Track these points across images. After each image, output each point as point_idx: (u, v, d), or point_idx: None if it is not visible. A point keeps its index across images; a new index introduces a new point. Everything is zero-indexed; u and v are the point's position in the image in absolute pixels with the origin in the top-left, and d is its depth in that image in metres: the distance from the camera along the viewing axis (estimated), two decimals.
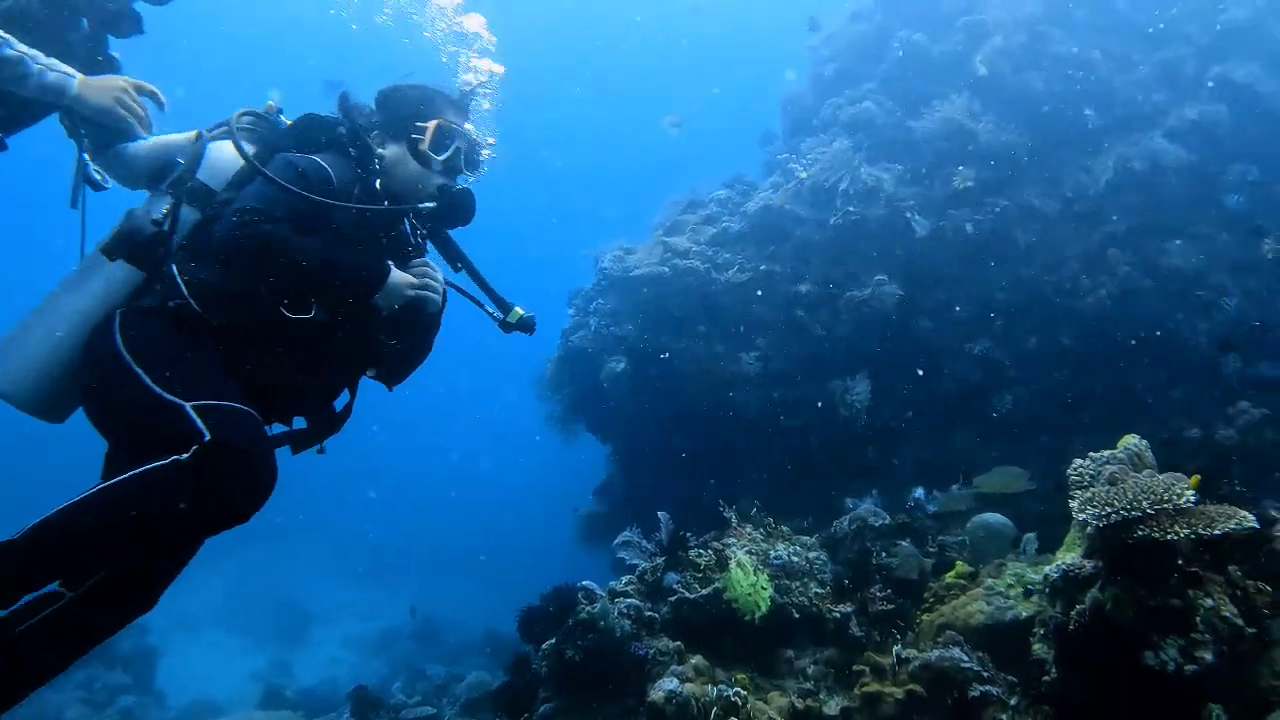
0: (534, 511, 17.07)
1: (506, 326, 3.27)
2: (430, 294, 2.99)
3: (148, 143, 3.41)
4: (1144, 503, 3.73)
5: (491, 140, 3.25)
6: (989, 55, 9.07)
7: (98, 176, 3.40)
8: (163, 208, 2.88)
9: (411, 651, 12.76)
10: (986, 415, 8.39)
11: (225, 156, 3.00)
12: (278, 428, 3.01)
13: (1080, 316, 8.36)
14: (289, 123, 3.14)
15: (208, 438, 2.36)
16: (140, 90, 3.11)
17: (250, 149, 2.94)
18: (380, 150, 3.06)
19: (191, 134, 3.23)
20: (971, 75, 9.10)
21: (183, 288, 2.71)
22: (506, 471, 22.75)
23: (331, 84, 3.57)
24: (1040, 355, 8.39)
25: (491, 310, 3.26)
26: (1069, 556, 4.36)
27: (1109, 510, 3.81)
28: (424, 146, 3.01)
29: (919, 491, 7.75)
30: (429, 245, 3.25)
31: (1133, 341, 8.17)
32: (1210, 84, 8.90)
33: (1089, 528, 4.06)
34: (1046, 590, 4.40)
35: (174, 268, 2.76)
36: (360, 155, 3.03)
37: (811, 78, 10.96)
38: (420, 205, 3.00)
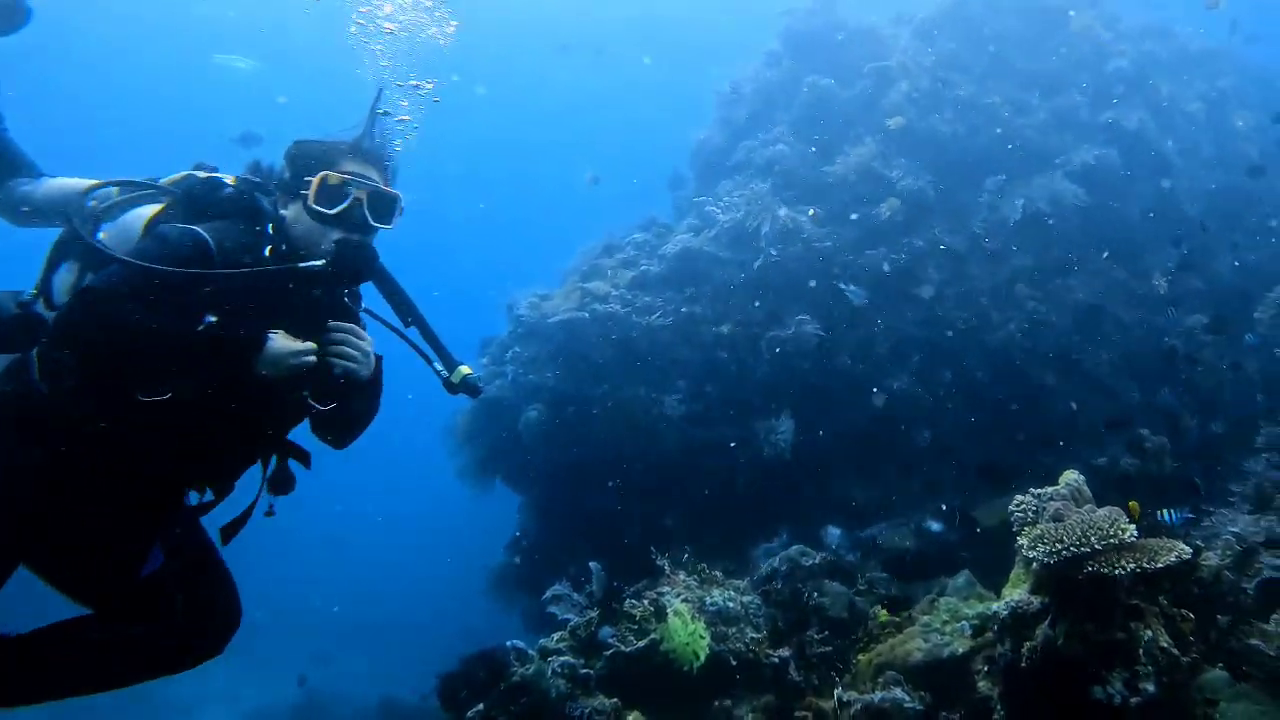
0: (432, 569, 16.50)
1: (451, 387, 3.12)
2: (343, 361, 2.80)
3: (43, 186, 3.30)
4: (1092, 539, 3.74)
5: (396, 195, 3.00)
6: (896, 100, 9.31)
7: None
8: (33, 286, 2.78)
9: None
10: (907, 449, 8.48)
11: (133, 222, 2.88)
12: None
13: (992, 350, 8.56)
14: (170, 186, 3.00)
15: None
16: None
17: (143, 214, 2.85)
18: (282, 211, 2.89)
19: (85, 184, 3.12)
20: (880, 119, 9.32)
21: (34, 369, 2.62)
22: (399, 526, 21.94)
23: (249, 137, 3.36)
24: (956, 389, 8.54)
25: (439, 369, 3.13)
26: (1015, 593, 4.34)
27: (1059, 547, 3.80)
28: (310, 201, 2.80)
29: (835, 531, 7.78)
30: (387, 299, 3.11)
31: (1042, 373, 8.43)
32: (1102, 128, 9.34)
33: (1035, 564, 4.06)
34: (995, 628, 4.36)
35: (35, 352, 2.65)
36: (252, 219, 2.86)
37: (721, 121, 11.09)
38: (303, 265, 2.75)
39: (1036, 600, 4.15)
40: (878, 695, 4.92)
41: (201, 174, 3.02)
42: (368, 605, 16.44)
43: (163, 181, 3.04)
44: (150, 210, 2.88)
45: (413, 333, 3.12)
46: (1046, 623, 3.96)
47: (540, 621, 8.22)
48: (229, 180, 2.98)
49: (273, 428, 2.93)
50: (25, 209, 3.42)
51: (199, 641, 2.84)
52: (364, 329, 2.96)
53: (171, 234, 2.67)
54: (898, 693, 4.89)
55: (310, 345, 2.69)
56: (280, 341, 2.63)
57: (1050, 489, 4.59)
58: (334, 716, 11.93)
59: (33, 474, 2.58)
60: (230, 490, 2.99)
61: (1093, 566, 3.74)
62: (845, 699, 5.06)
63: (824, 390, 8.44)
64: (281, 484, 2.98)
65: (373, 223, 2.86)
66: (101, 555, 2.75)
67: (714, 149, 10.46)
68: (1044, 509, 4.46)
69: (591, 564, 6.23)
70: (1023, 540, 4.18)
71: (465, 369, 3.11)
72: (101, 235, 2.83)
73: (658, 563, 6.30)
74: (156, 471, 2.73)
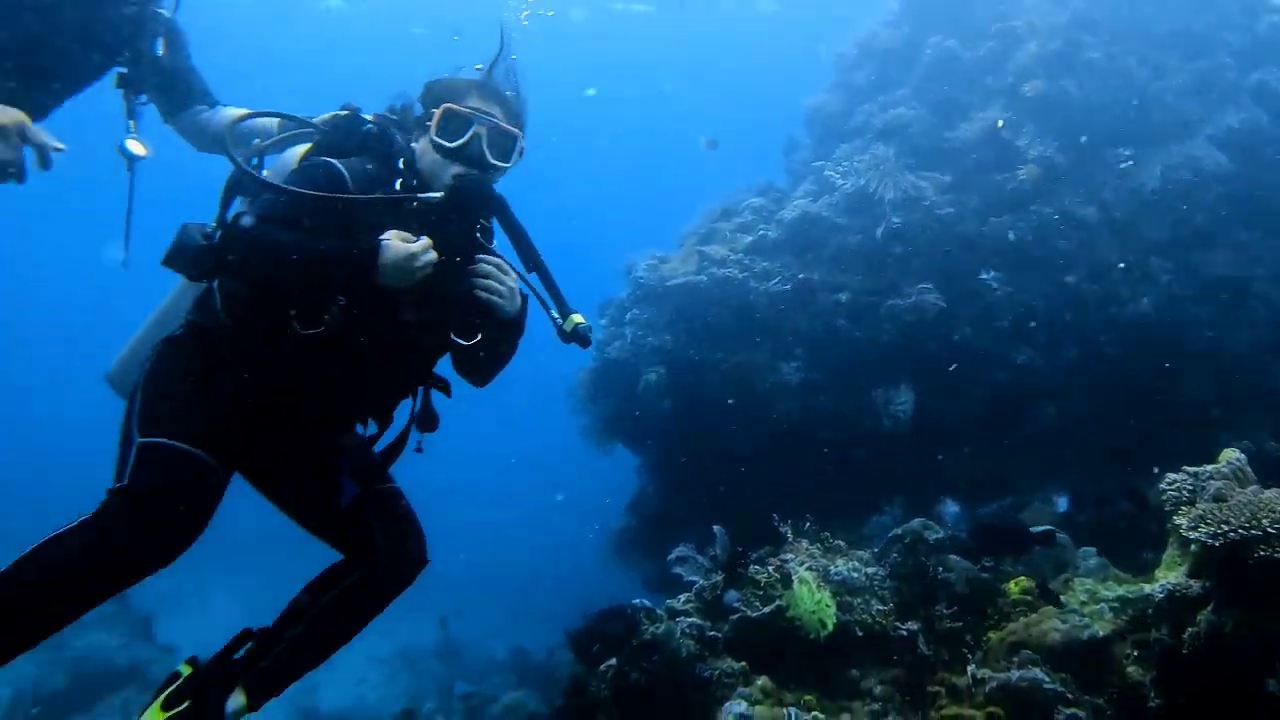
0: (556, 527, 16.77)
1: (564, 335, 3.12)
2: (489, 294, 2.90)
3: (226, 119, 3.46)
4: (1264, 520, 3.59)
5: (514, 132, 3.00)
6: (1023, 62, 8.98)
7: (132, 151, 3.43)
8: (213, 220, 2.89)
9: (437, 670, 12.40)
10: (1028, 426, 8.28)
11: (288, 160, 3.10)
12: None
13: (1123, 325, 8.26)
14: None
15: (123, 483, 2.52)
16: (26, 137, 2.76)
17: (296, 152, 3.06)
18: (415, 144, 3.01)
19: (274, 120, 3.35)
20: (1006, 81, 9.01)
21: (218, 300, 2.82)
22: (522, 484, 22.23)
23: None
24: (1082, 365, 8.29)
25: (555, 316, 3.13)
26: (1171, 576, 4.21)
27: (1225, 529, 3.66)
28: (432, 134, 2.89)
29: (953, 507, 7.64)
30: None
31: (1177, 351, 8.11)
32: (1249, 91, 8.85)
33: (1196, 546, 3.93)
34: (1148, 611, 4.25)
35: (217, 282, 2.84)
36: (386, 154, 2.97)
37: (838, 85, 10.84)
38: (422, 195, 2.85)
39: (1196, 584, 4.01)
40: (1015, 674, 4.84)
41: (345, 113, 3.13)
42: (491, 557, 16.88)
43: (315, 120, 3.19)
44: (302, 149, 3.06)
45: (534, 279, 3.13)
46: (1210, 609, 3.83)
47: (661, 583, 8.35)
48: (369, 118, 3.10)
49: (420, 360, 3.04)
50: (201, 138, 3.65)
51: (399, 570, 3.00)
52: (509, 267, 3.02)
53: (310, 168, 2.83)
54: (1036, 672, 4.80)
55: (426, 242, 2.71)
56: (396, 244, 2.67)
57: (1209, 467, 4.43)
58: (469, 660, 12.35)
59: (224, 399, 2.76)
60: (390, 423, 3.15)
61: (1265, 551, 3.60)
62: (980, 676, 5.00)
63: (944, 362, 8.27)
64: (427, 421, 3.09)
65: (492, 160, 2.92)
66: (300, 478, 3.02)
67: (831, 113, 10.23)
68: (1203, 488, 4.30)
69: (715, 528, 6.25)
70: (1180, 520, 4.05)
71: (578, 318, 3.10)
72: (265, 173, 3.00)
73: (780, 529, 6.28)
74: (321, 401, 2.89)
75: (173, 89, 3.65)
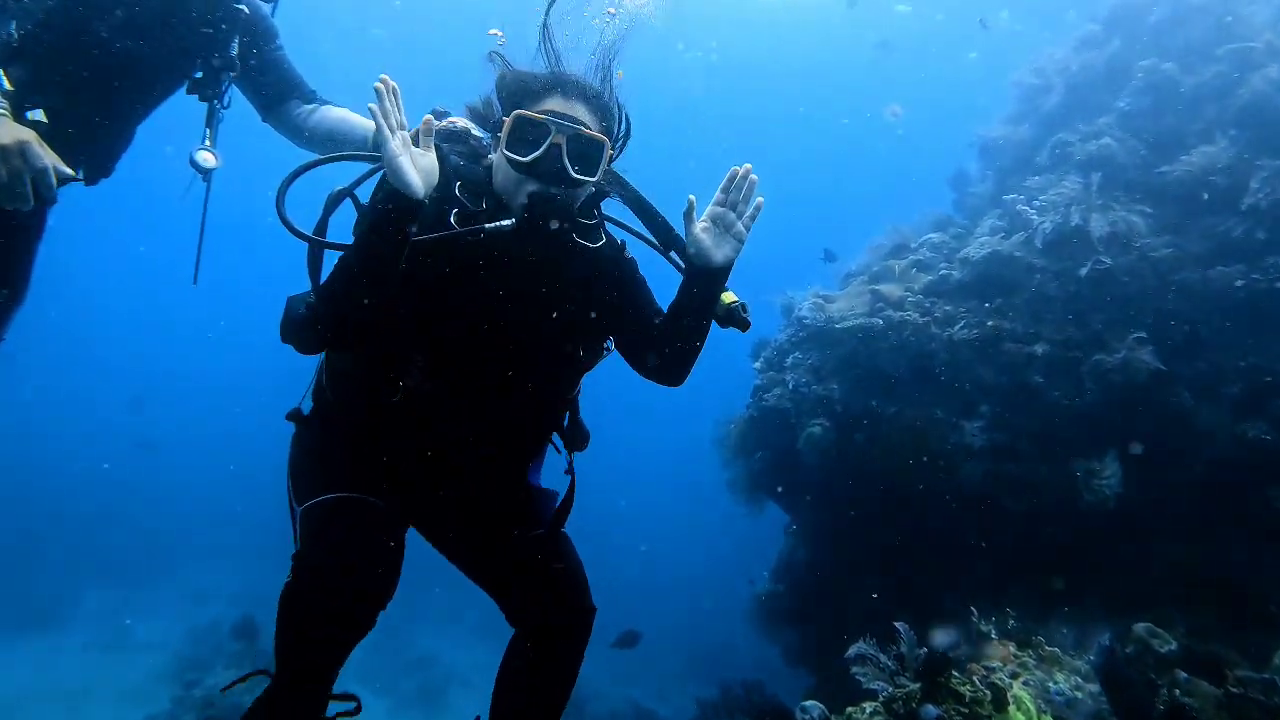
0: (687, 577, 15.90)
1: (719, 321, 2.67)
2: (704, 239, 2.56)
3: (317, 116, 3.54)
4: None
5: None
6: (1260, 87, 7.76)
7: (203, 162, 3.33)
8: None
9: None
10: (1258, 513, 7.01)
11: None
12: None
13: None
14: None
15: (297, 548, 2.47)
16: (28, 159, 2.52)
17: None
18: (490, 156, 2.62)
19: (360, 127, 3.44)
20: (1236, 110, 7.81)
21: (323, 374, 2.77)
22: (660, 530, 21.18)
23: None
24: None
25: None
26: None
27: None
28: (502, 148, 2.46)
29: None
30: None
31: None
32: None
33: None
34: None
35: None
36: (445, 177, 2.54)
37: (1020, 115, 9.82)
38: (490, 226, 2.41)
39: None
40: None
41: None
42: (613, 599, 16.16)
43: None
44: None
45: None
46: None
47: (802, 658, 7.37)
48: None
49: (544, 389, 2.71)
50: (305, 135, 3.53)
51: (564, 625, 2.71)
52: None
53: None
54: None
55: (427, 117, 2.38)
56: (394, 145, 2.26)
57: None
58: (588, 711, 11.55)
59: (359, 468, 2.63)
60: (543, 443, 2.93)
61: None
62: None
63: (1155, 431, 7.09)
64: (577, 440, 2.90)
65: (574, 174, 2.44)
66: (467, 528, 2.83)
67: (1017, 143, 9.20)
68: None
69: (899, 625, 5.24)
70: None
71: (730, 296, 2.64)
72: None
73: (981, 627, 5.25)
74: (445, 456, 2.66)
75: (261, 86, 3.51)
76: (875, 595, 6.89)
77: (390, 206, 2.24)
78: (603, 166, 2.50)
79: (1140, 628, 5.66)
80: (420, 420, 2.54)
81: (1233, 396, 7.08)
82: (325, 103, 3.58)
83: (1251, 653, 6.16)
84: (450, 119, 2.83)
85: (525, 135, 2.42)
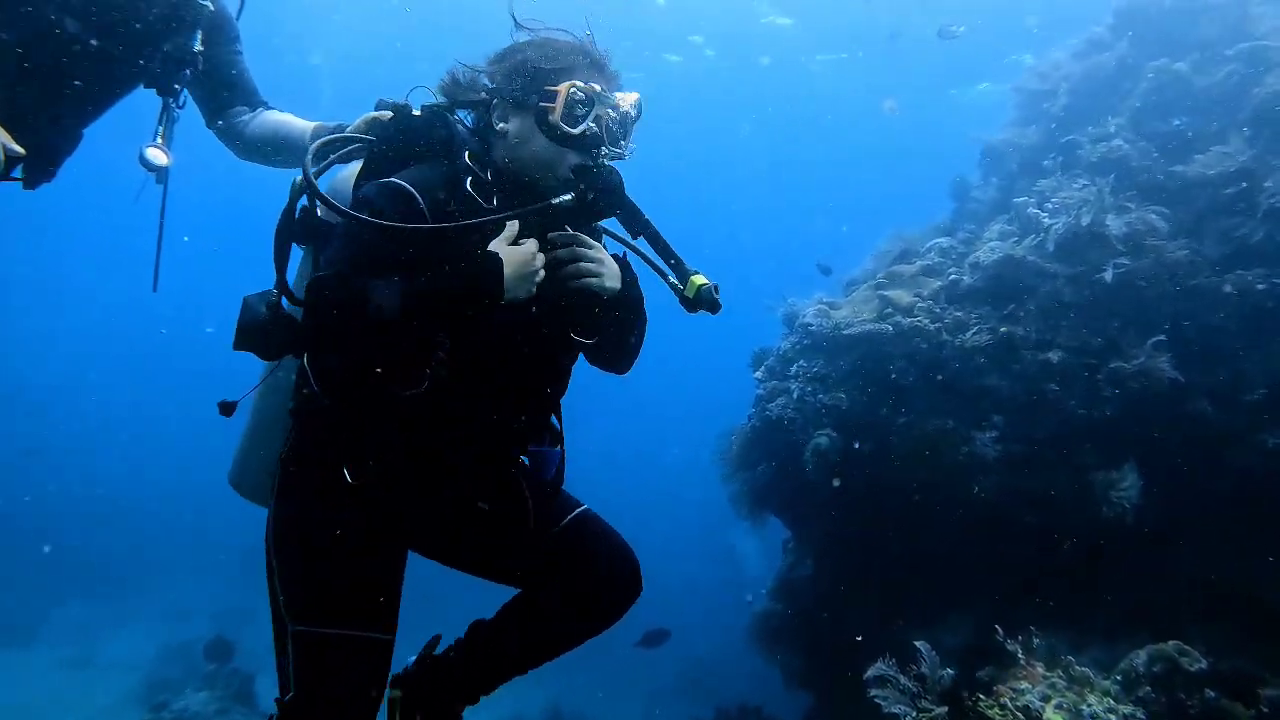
0: (680, 590, 15.54)
1: (688, 304, 2.53)
2: (584, 277, 2.42)
3: (258, 121, 3.31)
4: None
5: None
6: (1276, 87, 7.54)
7: (152, 159, 3.13)
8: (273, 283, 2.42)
9: None
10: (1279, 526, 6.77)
11: (342, 187, 2.59)
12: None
13: None
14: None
15: (290, 695, 2.27)
16: None
17: (349, 174, 2.58)
18: (503, 125, 2.45)
19: (307, 126, 3.19)
20: (1250, 109, 7.60)
21: (311, 379, 2.36)
22: (650, 540, 20.84)
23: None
24: None
25: (674, 282, 2.55)
26: None
27: None
28: (554, 117, 2.36)
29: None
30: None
31: None
32: None
33: None
34: None
35: (306, 359, 2.41)
36: (447, 150, 2.43)
37: (1025, 119, 9.61)
38: (554, 201, 2.34)
39: None
40: None
41: (386, 113, 2.64)
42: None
43: (350, 129, 2.74)
44: (351, 170, 2.57)
45: (641, 245, 2.60)
46: None
47: (808, 681, 7.05)
48: (415, 111, 2.51)
49: (551, 373, 2.60)
50: (239, 144, 3.32)
51: (622, 584, 2.69)
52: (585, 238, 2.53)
53: (374, 196, 2.27)
54: None
55: (531, 249, 2.31)
56: (511, 251, 2.27)
57: None
58: None
59: (372, 541, 2.39)
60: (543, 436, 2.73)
61: None
62: None
63: (1175, 440, 6.84)
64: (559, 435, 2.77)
65: (611, 148, 2.43)
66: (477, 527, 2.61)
67: (1024, 147, 8.97)
68: None
69: (920, 644, 4.97)
70: None
71: (700, 279, 2.51)
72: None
73: (1007, 647, 4.95)
74: (456, 453, 2.44)
75: (214, 88, 3.31)
76: (884, 613, 6.59)
77: (480, 300, 2.21)
78: (629, 144, 2.48)
79: (1169, 646, 5.39)
80: (449, 412, 2.35)
81: (1253, 404, 6.84)
82: (269, 109, 3.41)
83: (1272, 666, 5.92)
84: (405, 108, 2.61)
85: (576, 108, 2.37)
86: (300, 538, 2.36)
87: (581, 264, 2.44)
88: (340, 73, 23.18)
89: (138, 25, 2.99)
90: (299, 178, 2.41)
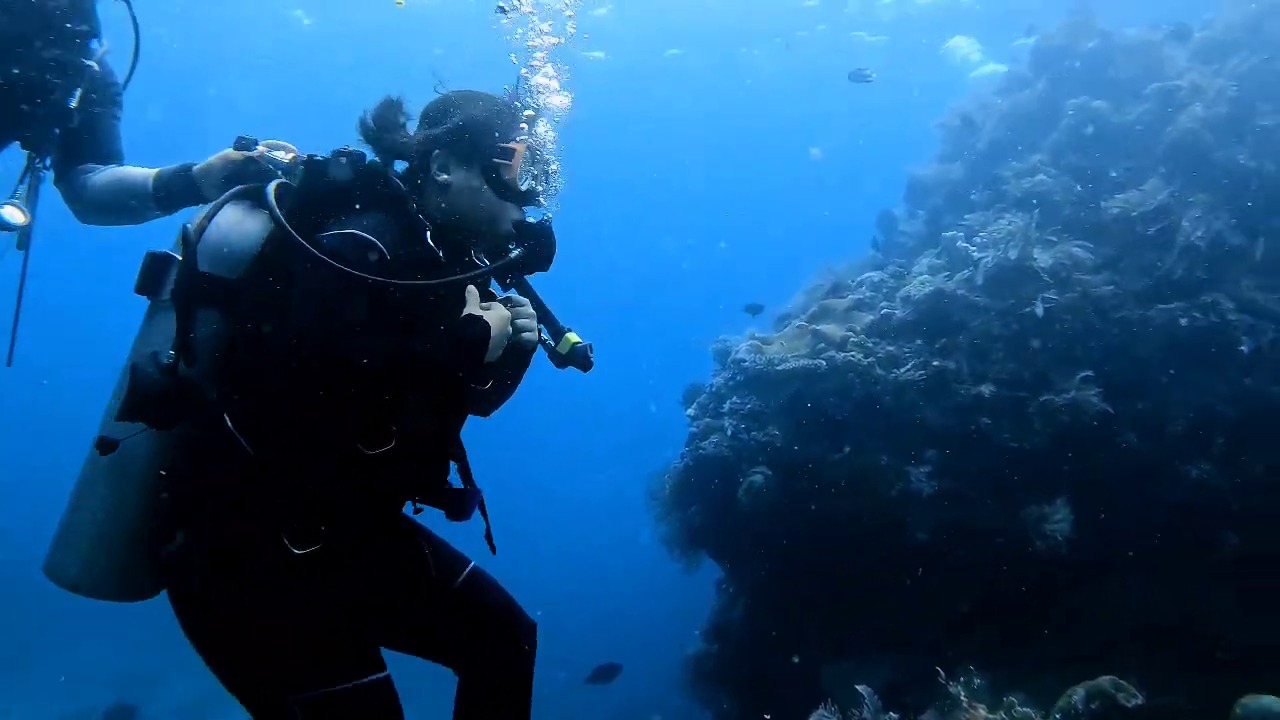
0: (610, 632, 15.23)
1: (559, 359, 2.60)
2: (527, 333, 2.45)
3: (101, 176, 3.05)
4: None
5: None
6: (1188, 125, 7.75)
7: (10, 220, 2.94)
8: (167, 339, 2.25)
9: None
10: (1207, 556, 6.84)
11: (231, 231, 2.34)
12: None
13: None
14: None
15: None
16: None
17: (245, 224, 2.37)
18: (444, 176, 2.42)
19: (160, 183, 2.91)
20: (1165, 147, 7.79)
21: (243, 441, 2.17)
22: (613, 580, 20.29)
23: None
24: (1272, 484, 6.86)
25: (546, 338, 2.59)
26: None
27: None
28: (510, 175, 2.42)
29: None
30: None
31: None
32: None
33: None
34: None
35: (227, 419, 2.18)
36: (398, 202, 2.37)
37: (949, 155, 9.77)
38: (513, 257, 2.41)
39: None
40: None
41: (240, 153, 2.61)
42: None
43: (197, 169, 2.72)
44: (251, 217, 2.35)
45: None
46: None
47: None
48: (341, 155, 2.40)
49: (462, 416, 2.63)
50: (80, 202, 3.09)
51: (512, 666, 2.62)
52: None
53: (346, 249, 2.13)
54: None
55: (508, 313, 2.37)
56: (493, 317, 2.28)
57: None
58: None
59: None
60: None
61: None
62: None
63: (1103, 473, 6.89)
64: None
65: (546, 200, 2.52)
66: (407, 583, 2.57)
67: (950, 182, 9.08)
68: None
69: (860, 688, 4.85)
70: None
71: (573, 337, 2.59)
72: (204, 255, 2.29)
73: (950, 689, 4.86)
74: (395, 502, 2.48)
75: (76, 146, 3.10)
76: (821, 653, 6.48)
77: (469, 366, 2.25)
78: (546, 201, 2.55)
79: (1106, 682, 5.35)
80: (401, 468, 2.33)
81: (1176, 435, 6.94)
82: (116, 165, 3.20)
83: (1203, 698, 5.94)
84: (265, 146, 2.62)
85: (526, 165, 2.45)
86: (257, 618, 2.19)
87: (524, 321, 2.45)
88: (253, 102, 22.67)
89: (16, 71, 2.85)
90: (191, 226, 2.29)
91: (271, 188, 2.31)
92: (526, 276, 2.56)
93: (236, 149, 2.60)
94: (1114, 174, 7.89)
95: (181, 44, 18.62)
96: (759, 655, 7.27)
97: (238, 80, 22.75)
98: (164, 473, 2.28)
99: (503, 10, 2.89)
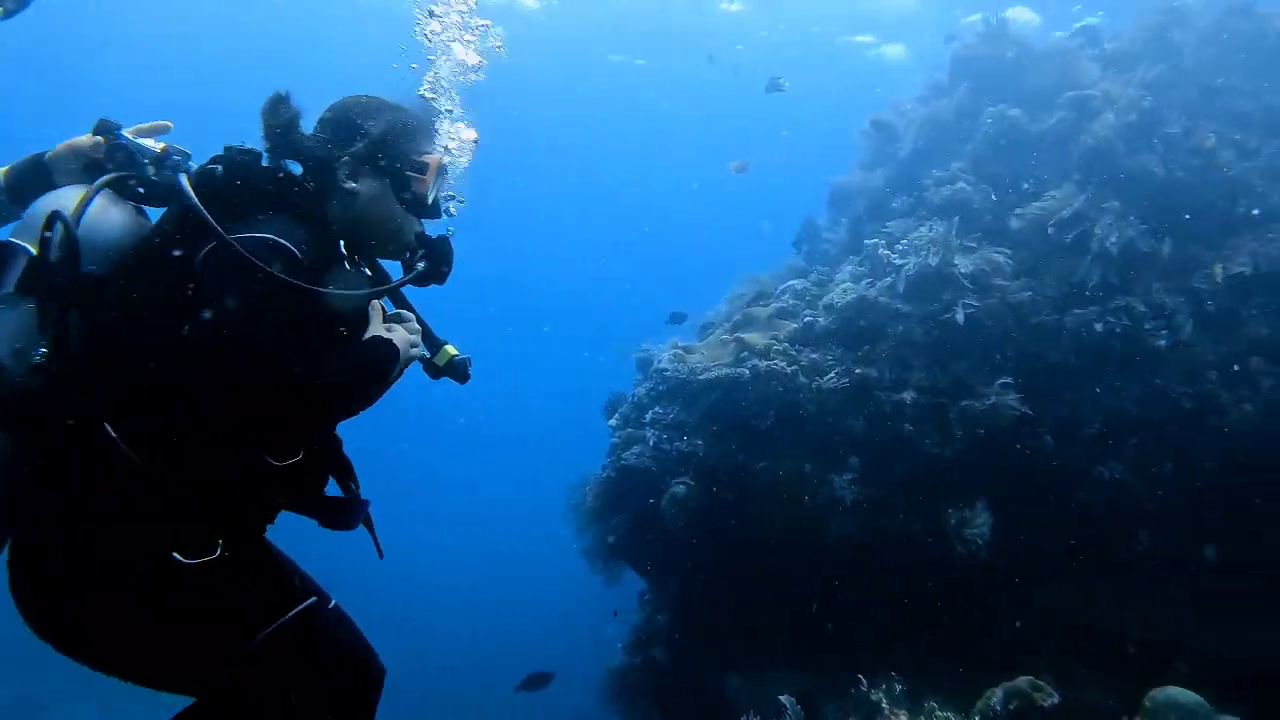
0: (529, 645, 15.06)
1: (434, 370, 2.59)
2: (415, 349, 2.41)
3: None
4: None
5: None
6: (1101, 133, 7.91)
7: None
8: (35, 336, 2.02)
9: None
10: (1123, 555, 6.97)
11: (101, 223, 2.16)
12: None
13: (1223, 437, 7.03)
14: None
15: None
16: None
17: (114, 217, 2.21)
18: (352, 184, 2.35)
19: (13, 178, 2.44)
20: (1080, 155, 7.95)
21: (126, 450, 1.95)
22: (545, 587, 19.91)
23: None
24: (1180, 482, 7.02)
25: (423, 351, 2.53)
26: None
27: None
28: (422, 188, 2.41)
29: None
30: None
31: None
32: None
33: None
34: None
35: (107, 426, 1.96)
36: (309, 207, 2.28)
37: (871, 163, 9.86)
38: (423, 270, 2.40)
39: None
40: None
41: (94, 138, 2.33)
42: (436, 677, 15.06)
43: (50, 155, 2.39)
44: (117, 208, 2.20)
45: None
46: None
47: None
48: (232, 154, 2.30)
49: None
50: None
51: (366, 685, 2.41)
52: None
53: (265, 253, 2.02)
54: None
55: (409, 334, 2.37)
56: (399, 338, 2.30)
57: None
58: None
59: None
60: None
61: None
62: None
63: (1022, 476, 6.98)
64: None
65: (447, 215, 2.57)
66: None
67: (871, 190, 9.15)
68: None
69: (784, 698, 4.82)
70: None
71: (451, 349, 2.59)
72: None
73: (871, 697, 4.86)
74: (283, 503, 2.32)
75: None
76: (745, 663, 6.44)
77: (380, 385, 2.25)
78: (445, 214, 2.57)
79: (1023, 682, 5.41)
80: (301, 479, 2.25)
81: (1090, 438, 7.06)
82: None
83: (1117, 694, 6.04)
84: (133, 131, 2.38)
85: (436, 179, 2.45)
86: (145, 619, 2.05)
87: (414, 337, 2.42)
88: (133, 85, 21.83)
89: None
90: (66, 213, 2.08)
91: (185, 179, 2.15)
92: (417, 289, 2.48)
93: (96, 133, 2.36)
94: (1026, 185, 8.01)
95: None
96: (681, 667, 7.22)
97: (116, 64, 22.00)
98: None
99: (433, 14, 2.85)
